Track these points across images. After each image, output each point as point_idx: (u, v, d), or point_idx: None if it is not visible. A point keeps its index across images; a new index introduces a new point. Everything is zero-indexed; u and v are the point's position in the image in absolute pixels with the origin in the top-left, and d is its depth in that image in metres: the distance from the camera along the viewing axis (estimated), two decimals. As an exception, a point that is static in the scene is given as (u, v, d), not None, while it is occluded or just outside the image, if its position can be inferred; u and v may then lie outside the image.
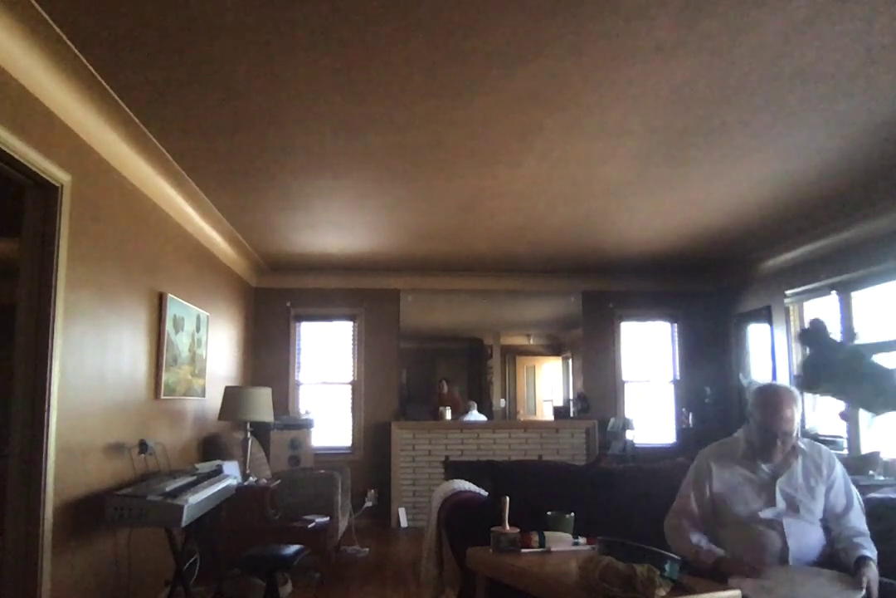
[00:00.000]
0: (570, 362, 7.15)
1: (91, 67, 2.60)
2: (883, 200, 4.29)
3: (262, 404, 4.75)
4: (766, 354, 6.03)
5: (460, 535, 2.90)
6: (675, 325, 7.17)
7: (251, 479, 4.46)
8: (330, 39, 2.42)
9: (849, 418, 4.47)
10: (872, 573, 2.13)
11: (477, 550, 2.39)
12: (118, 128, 3.14)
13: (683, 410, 6.93)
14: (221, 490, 3.53)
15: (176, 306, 4.21)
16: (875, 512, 2.50)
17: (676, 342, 7.17)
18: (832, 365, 0.97)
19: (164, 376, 3.99)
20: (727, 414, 6.61)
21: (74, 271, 2.87)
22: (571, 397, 7.02)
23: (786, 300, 5.69)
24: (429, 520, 3.54)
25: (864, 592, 2.06)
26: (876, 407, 1.02)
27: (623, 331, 7.13)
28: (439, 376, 6.99)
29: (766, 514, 2.31)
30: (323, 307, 6.89)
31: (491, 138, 3.36)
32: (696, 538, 2.36)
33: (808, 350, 0.99)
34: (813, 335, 0.95)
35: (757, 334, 6.30)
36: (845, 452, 4.73)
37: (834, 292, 5.05)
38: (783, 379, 5.63)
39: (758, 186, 4.12)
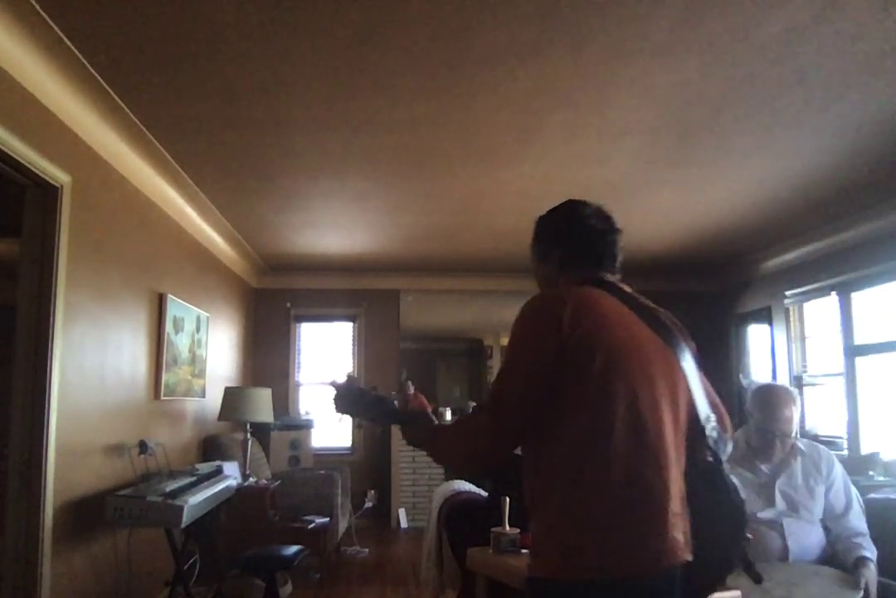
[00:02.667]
0: (570, 362, 7.12)
1: (91, 68, 2.61)
2: (883, 201, 4.29)
3: (262, 405, 4.75)
4: (766, 354, 6.02)
5: (460, 535, 2.91)
6: (675, 325, 7.14)
7: (251, 479, 4.46)
8: (330, 40, 2.42)
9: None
10: (871, 573, 2.14)
11: (477, 550, 2.39)
12: (118, 128, 3.15)
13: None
14: (221, 491, 3.53)
15: (176, 307, 4.21)
16: (875, 512, 2.50)
17: (676, 343, 7.14)
18: (349, 397, 1.36)
19: (164, 377, 3.99)
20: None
21: (74, 272, 2.87)
22: (571, 397, 6.99)
23: (786, 301, 5.68)
24: (429, 520, 3.54)
25: (861, 592, 2.06)
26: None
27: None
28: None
29: (766, 514, 2.31)
30: (323, 308, 6.89)
31: (491, 138, 3.36)
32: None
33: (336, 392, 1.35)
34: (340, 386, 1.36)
35: (757, 335, 6.30)
36: (845, 452, 4.73)
37: (834, 293, 5.05)
38: (783, 380, 5.63)
39: (758, 186, 4.11)
